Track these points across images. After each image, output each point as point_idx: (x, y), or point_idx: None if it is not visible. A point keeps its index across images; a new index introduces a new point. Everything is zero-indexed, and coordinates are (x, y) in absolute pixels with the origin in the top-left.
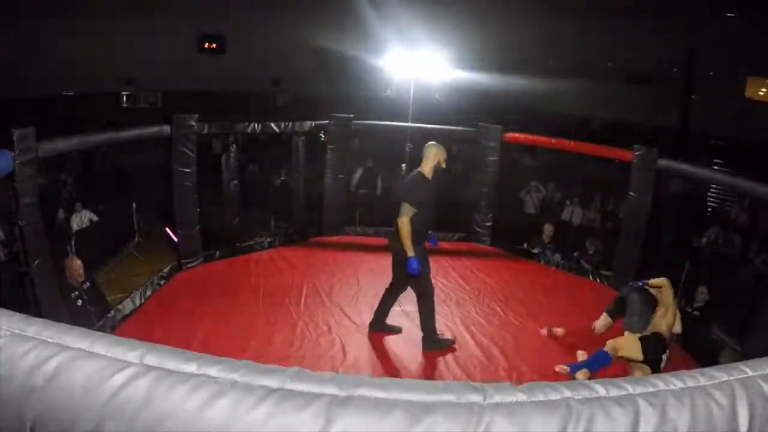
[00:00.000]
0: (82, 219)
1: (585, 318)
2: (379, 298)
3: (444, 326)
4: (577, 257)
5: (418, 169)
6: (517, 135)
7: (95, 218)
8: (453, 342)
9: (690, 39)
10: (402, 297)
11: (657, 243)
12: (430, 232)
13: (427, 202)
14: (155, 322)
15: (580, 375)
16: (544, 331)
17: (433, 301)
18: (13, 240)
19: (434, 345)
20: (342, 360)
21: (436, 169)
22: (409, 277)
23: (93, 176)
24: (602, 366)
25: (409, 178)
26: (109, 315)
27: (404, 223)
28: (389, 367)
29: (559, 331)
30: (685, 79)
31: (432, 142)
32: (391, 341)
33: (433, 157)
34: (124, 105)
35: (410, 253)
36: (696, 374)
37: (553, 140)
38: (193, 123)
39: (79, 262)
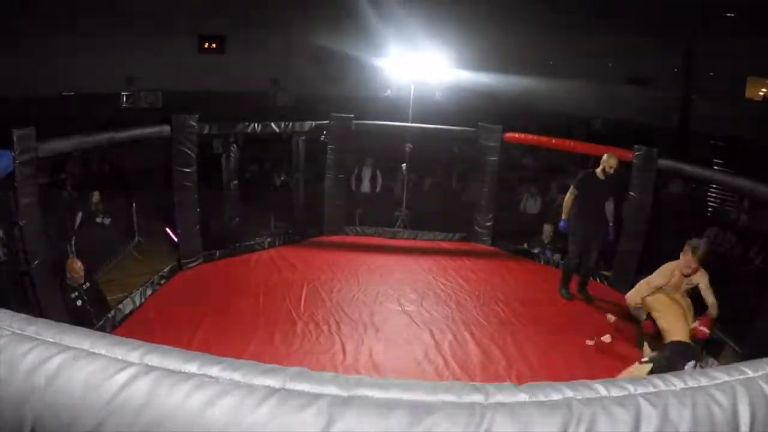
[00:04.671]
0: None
1: (584, 318)
2: (380, 298)
3: (444, 326)
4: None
5: (594, 169)
6: (517, 135)
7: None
8: (571, 297)
9: (690, 39)
10: (402, 297)
11: (657, 243)
12: (611, 224)
13: (590, 191)
14: (155, 322)
15: None
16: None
17: (571, 260)
18: (13, 240)
19: (562, 289)
20: (342, 359)
21: (606, 172)
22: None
23: (93, 176)
24: None
25: (582, 172)
26: (109, 315)
27: (566, 196)
28: (390, 367)
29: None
30: (685, 79)
31: (606, 153)
32: (391, 341)
33: (601, 163)
34: (124, 105)
35: (563, 216)
36: (697, 375)
37: (553, 140)
38: (193, 123)
39: (79, 263)
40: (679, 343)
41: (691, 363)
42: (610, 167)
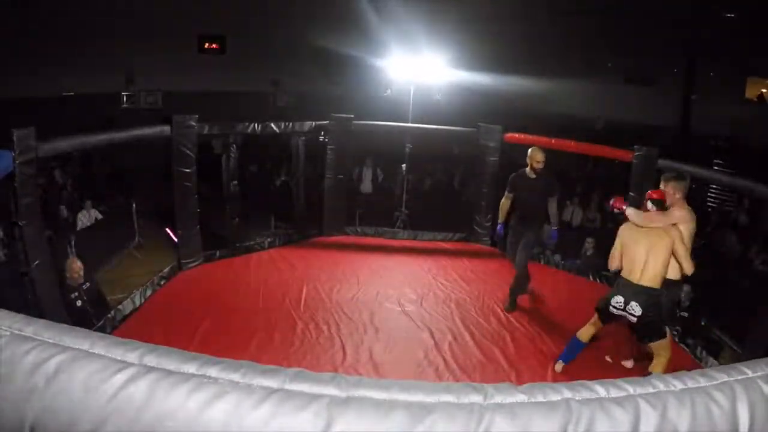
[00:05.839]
0: (90, 216)
1: (584, 318)
2: (380, 298)
3: (444, 326)
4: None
5: (525, 169)
6: (517, 135)
7: (100, 216)
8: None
9: (690, 39)
10: (402, 298)
11: None
12: (554, 229)
13: (522, 192)
14: (155, 322)
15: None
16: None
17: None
18: (13, 240)
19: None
20: (342, 359)
21: (534, 168)
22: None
23: (93, 176)
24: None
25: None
26: (109, 315)
27: (502, 200)
28: (390, 367)
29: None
30: (685, 79)
31: (531, 148)
32: (391, 341)
33: (528, 160)
34: (124, 105)
35: (499, 220)
36: (696, 375)
37: (553, 140)
38: (193, 123)
39: (79, 263)
40: (622, 278)
41: (619, 299)
42: (537, 162)
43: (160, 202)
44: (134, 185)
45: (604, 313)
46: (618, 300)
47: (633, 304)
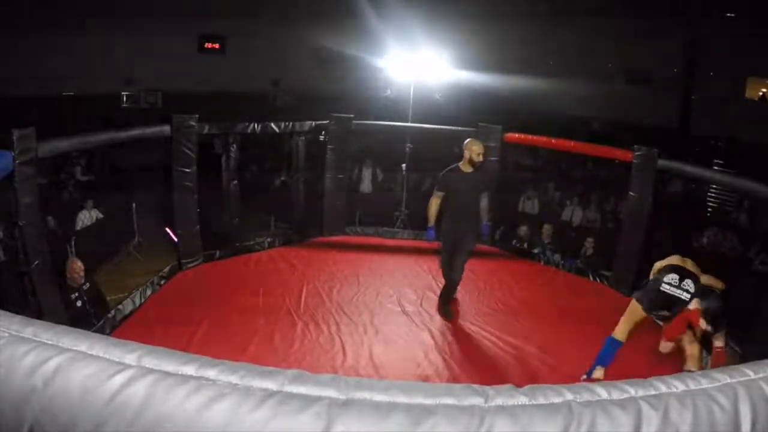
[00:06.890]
0: (91, 216)
1: (584, 318)
2: (380, 298)
3: (444, 327)
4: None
5: (458, 163)
6: (517, 135)
7: (101, 216)
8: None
9: (690, 39)
10: (402, 298)
11: (657, 243)
12: (486, 223)
13: (458, 190)
14: (155, 322)
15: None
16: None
17: (443, 270)
18: (13, 240)
19: (443, 306)
20: (342, 360)
21: (473, 161)
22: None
23: (93, 176)
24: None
25: (444, 170)
26: (109, 315)
27: (431, 200)
28: (389, 368)
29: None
30: (685, 79)
31: (468, 139)
32: (391, 342)
33: (466, 153)
34: (124, 105)
35: (429, 223)
36: (698, 377)
37: (553, 140)
38: (193, 123)
39: (80, 263)
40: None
41: (673, 275)
42: (478, 154)
43: (160, 202)
44: (134, 185)
45: (653, 297)
46: (673, 277)
47: (687, 280)
